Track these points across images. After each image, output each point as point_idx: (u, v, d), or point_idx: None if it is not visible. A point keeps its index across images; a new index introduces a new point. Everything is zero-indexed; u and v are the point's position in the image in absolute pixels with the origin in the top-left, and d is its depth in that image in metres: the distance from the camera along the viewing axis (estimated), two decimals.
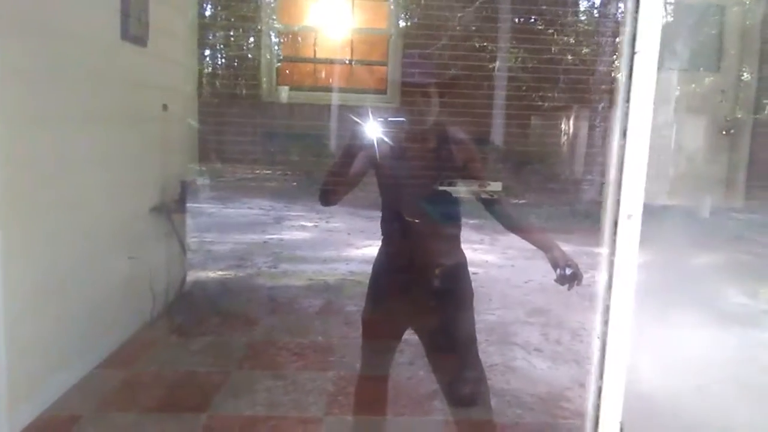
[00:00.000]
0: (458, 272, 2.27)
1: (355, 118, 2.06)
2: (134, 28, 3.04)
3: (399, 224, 2.19)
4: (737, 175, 8.18)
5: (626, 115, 0.99)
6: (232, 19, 8.07)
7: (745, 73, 8.75)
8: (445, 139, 2.17)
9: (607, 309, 1.01)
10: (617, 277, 1.01)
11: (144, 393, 2.90)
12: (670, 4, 9.50)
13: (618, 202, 1.01)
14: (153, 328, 3.48)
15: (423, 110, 2.10)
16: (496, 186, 2.28)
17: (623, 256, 1.01)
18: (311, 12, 8.39)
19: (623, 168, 0.99)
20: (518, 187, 8.09)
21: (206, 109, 5.97)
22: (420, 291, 2.19)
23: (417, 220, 2.17)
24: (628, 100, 0.99)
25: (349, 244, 6.30)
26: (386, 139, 2.09)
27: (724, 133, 7.70)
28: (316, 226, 7.22)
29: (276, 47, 8.07)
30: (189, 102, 4.07)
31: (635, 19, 0.96)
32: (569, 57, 9.79)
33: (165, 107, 3.46)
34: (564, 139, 9.18)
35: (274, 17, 8.05)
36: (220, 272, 5.09)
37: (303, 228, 7.13)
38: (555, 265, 2.07)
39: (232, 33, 8.16)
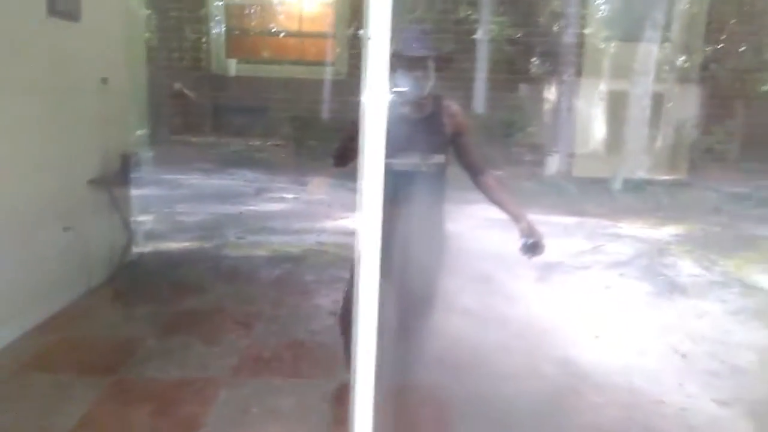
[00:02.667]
0: (439, 241, 2.50)
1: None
2: (62, 4, 3.10)
3: (391, 190, 2.31)
4: (679, 147, 8.22)
5: (365, 98, 1.07)
6: None
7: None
8: (438, 110, 2.34)
9: (358, 284, 1.10)
10: (364, 249, 1.10)
11: (67, 357, 3.02)
12: None
13: (362, 178, 1.09)
14: (91, 297, 3.60)
15: (418, 82, 2.25)
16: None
17: (368, 229, 1.09)
18: None
19: (364, 146, 1.08)
20: (498, 159, 8.14)
21: (153, 82, 6.03)
22: (404, 253, 2.31)
23: (409, 188, 2.32)
24: (365, 84, 1.07)
25: (326, 216, 6.38)
26: (390, 105, 2.20)
27: (669, 105, 7.70)
28: (296, 197, 7.30)
29: (223, 20, 8.08)
30: (135, 75, 4.13)
31: (368, 7, 1.04)
32: (556, 25, 9.68)
33: (104, 81, 3.54)
34: (545, 108, 9.18)
35: None
36: (185, 243, 5.21)
37: (282, 200, 7.20)
38: (522, 235, 2.31)
39: (179, 7, 8.13)
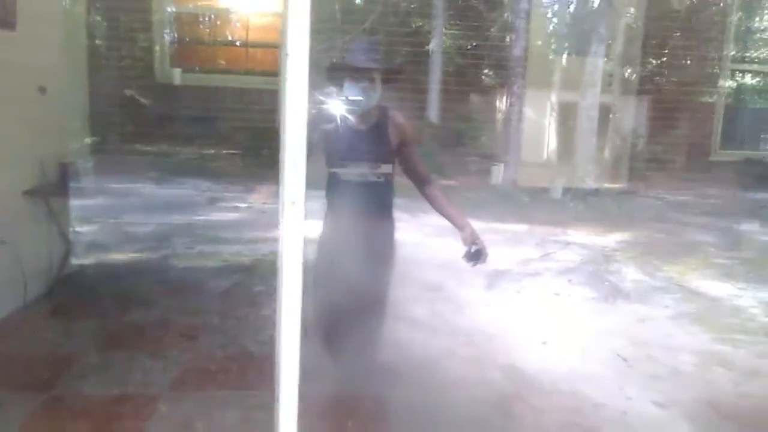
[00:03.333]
0: (387, 249, 2.57)
1: (322, 97, 2.29)
2: None
3: (342, 194, 2.42)
4: (620, 157, 8.53)
5: (285, 112, 1.08)
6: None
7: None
8: (384, 120, 2.40)
9: (280, 288, 1.10)
10: (286, 259, 1.10)
11: None
12: None
13: (284, 189, 1.10)
14: (26, 311, 3.49)
15: (365, 93, 2.30)
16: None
17: (290, 240, 1.10)
18: None
19: (285, 158, 1.08)
20: (449, 168, 8.24)
21: (97, 90, 5.91)
22: (352, 262, 2.41)
23: (356, 197, 2.39)
24: (285, 99, 1.08)
25: (277, 225, 6.30)
26: (338, 116, 2.31)
27: (611, 116, 7.97)
28: (249, 206, 7.22)
29: (169, 30, 8.02)
30: (77, 83, 4.05)
31: (286, 24, 1.04)
32: (506, 37, 9.86)
33: (42, 90, 3.45)
34: (497, 118, 9.36)
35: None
36: (131, 254, 5.09)
37: (235, 209, 7.11)
38: (465, 243, 2.38)
39: (124, 15, 8.02)
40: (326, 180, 2.48)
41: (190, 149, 8.05)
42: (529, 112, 8.48)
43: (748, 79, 10.75)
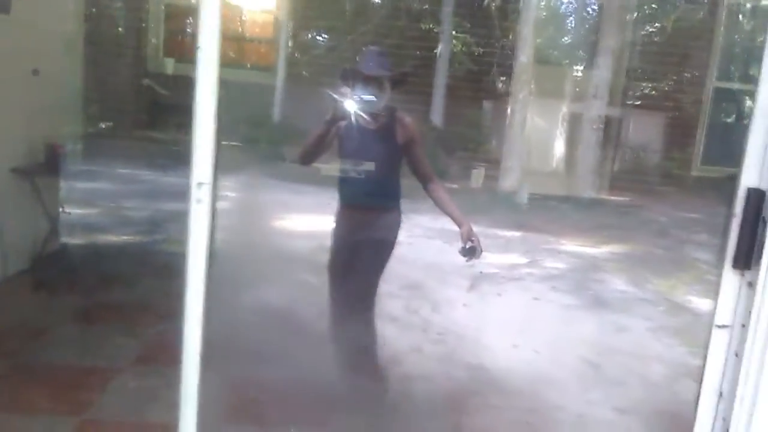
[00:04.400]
0: (391, 237, 2.71)
1: (334, 94, 2.49)
2: None
3: (352, 188, 2.63)
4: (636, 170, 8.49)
5: (196, 99, 1.15)
6: None
7: None
8: (391, 120, 2.59)
9: (186, 271, 1.17)
10: (192, 245, 1.17)
11: None
12: None
13: (193, 172, 1.17)
14: (5, 284, 3.59)
15: (375, 97, 2.51)
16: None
17: (197, 223, 1.16)
18: None
19: (195, 142, 1.16)
20: (451, 172, 8.26)
21: (91, 75, 6.00)
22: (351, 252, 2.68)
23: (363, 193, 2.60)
24: (197, 87, 1.15)
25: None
26: (352, 114, 2.51)
27: (594, 127, 7.95)
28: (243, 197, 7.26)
29: (162, 21, 8.12)
30: (70, 68, 4.15)
31: (198, 17, 1.12)
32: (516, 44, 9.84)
33: (35, 72, 3.56)
34: (500, 124, 9.36)
35: None
36: (123, 237, 5.19)
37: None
38: (462, 239, 2.55)
39: (121, 5, 8.13)
40: (340, 172, 2.65)
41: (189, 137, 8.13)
42: (536, 120, 8.49)
43: (729, 96, 10.78)
